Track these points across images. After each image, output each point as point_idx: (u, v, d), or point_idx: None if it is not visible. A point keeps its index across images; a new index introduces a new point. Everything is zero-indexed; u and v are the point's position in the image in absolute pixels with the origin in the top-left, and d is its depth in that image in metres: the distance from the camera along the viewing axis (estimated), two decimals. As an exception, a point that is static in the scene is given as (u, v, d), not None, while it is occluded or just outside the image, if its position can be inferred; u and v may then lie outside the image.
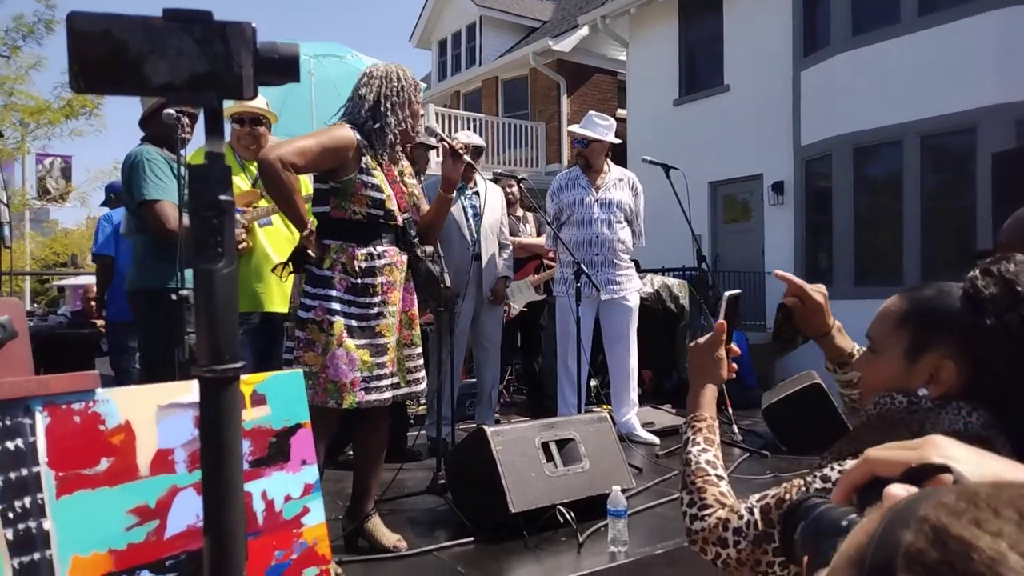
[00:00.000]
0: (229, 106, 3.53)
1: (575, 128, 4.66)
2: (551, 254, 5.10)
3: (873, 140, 9.17)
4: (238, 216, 3.34)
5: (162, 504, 1.58)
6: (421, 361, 2.82)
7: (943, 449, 0.59)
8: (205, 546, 0.77)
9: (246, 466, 1.70)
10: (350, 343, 2.55)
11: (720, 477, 1.22)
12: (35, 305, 16.40)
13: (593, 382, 5.48)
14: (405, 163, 2.84)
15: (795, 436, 4.33)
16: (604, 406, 5.09)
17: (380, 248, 2.67)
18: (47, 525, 1.43)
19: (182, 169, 3.11)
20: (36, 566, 1.41)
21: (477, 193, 4.55)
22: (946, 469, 0.54)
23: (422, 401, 5.22)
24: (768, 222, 10.74)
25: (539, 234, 5.50)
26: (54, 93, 14.53)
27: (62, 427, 1.49)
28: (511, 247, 4.74)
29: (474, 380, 5.08)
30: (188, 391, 1.64)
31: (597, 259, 4.47)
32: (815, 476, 1.07)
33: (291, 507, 1.79)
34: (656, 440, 4.51)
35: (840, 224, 9.54)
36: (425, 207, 2.89)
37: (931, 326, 1.07)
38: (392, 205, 2.69)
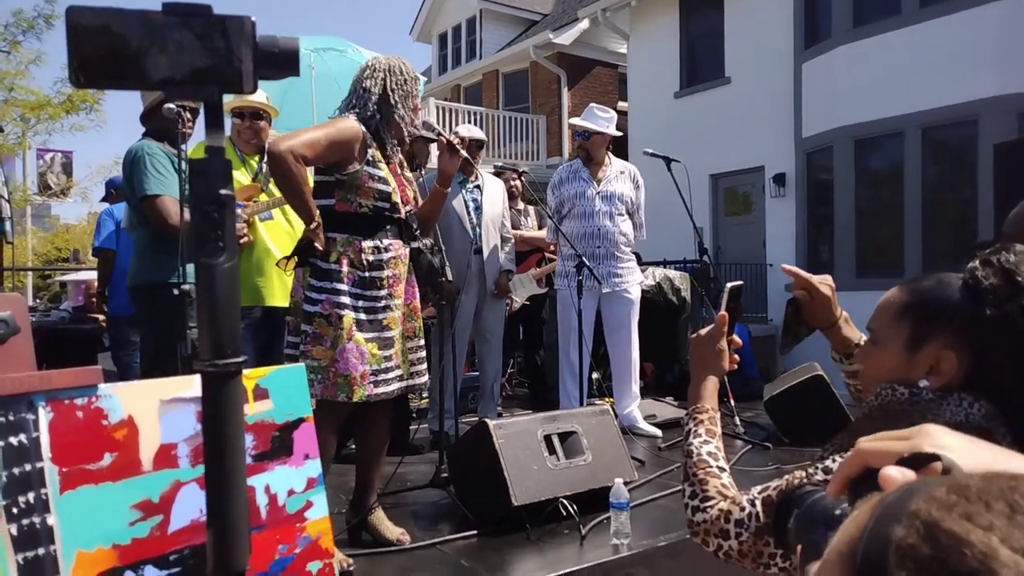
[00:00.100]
0: (229, 100, 3.53)
1: (576, 121, 4.65)
2: (552, 247, 5.09)
3: (874, 132, 9.15)
4: (239, 211, 3.34)
5: (165, 499, 1.58)
6: (424, 353, 2.82)
7: (935, 438, 0.59)
8: (208, 540, 0.77)
9: (249, 460, 1.70)
10: (359, 336, 2.55)
11: (722, 469, 1.22)
12: (37, 301, 16.42)
13: (595, 375, 5.48)
14: (400, 156, 2.84)
15: (797, 428, 4.34)
16: (606, 399, 5.10)
17: (386, 241, 2.67)
18: (51, 520, 1.44)
19: (183, 164, 3.10)
20: (40, 561, 1.41)
21: (479, 187, 4.54)
22: (937, 459, 0.54)
23: (424, 395, 5.23)
24: (769, 214, 10.73)
25: (540, 227, 5.50)
26: (54, 88, 14.52)
27: (65, 422, 1.49)
28: (512, 240, 4.74)
29: (476, 373, 5.08)
30: (190, 386, 1.64)
31: (599, 252, 4.47)
32: (817, 468, 1.07)
33: (294, 501, 1.80)
34: (658, 433, 4.51)
35: (841, 216, 9.52)
36: (419, 200, 2.90)
37: (931, 317, 1.07)
38: (397, 198, 2.69)
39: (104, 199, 5.76)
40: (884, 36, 8.89)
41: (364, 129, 2.61)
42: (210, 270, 0.73)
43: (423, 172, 4.44)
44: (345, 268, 2.57)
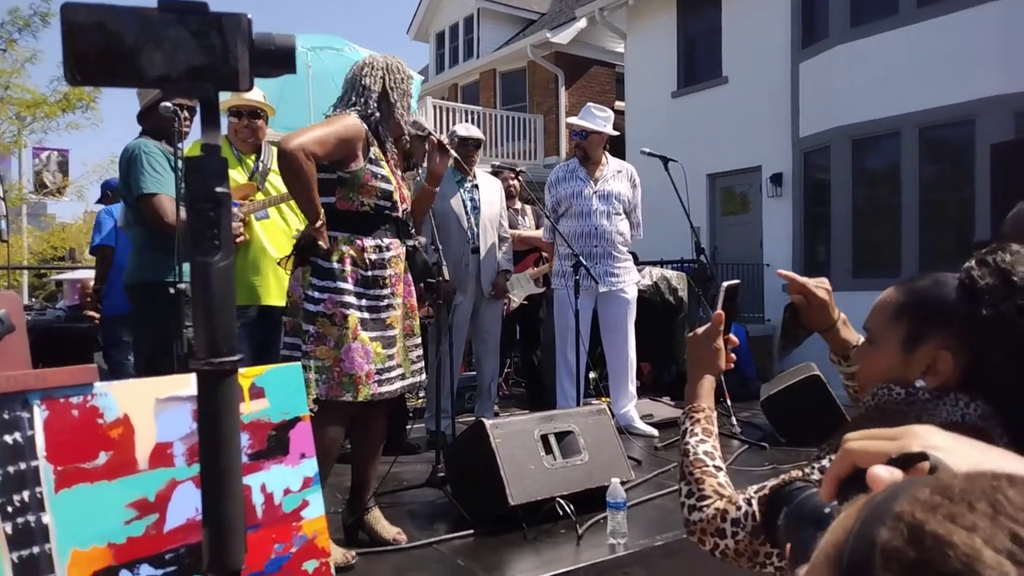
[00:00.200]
0: (226, 100, 3.52)
1: (573, 120, 4.65)
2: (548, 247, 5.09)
3: (872, 132, 9.16)
4: (235, 209, 3.34)
5: (161, 497, 1.58)
6: (421, 351, 2.82)
7: (923, 438, 0.59)
8: (204, 539, 0.77)
9: (245, 459, 1.70)
10: (364, 336, 2.54)
11: (718, 468, 1.22)
12: (33, 300, 16.38)
13: (592, 374, 5.49)
14: (395, 154, 2.84)
15: (793, 428, 4.34)
16: (603, 398, 5.10)
17: (386, 240, 2.67)
18: (46, 519, 1.43)
19: (180, 162, 3.10)
20: (35, 560, 1.41)
21: (476, 186, 4.54)
22: (925, 458, 0.54)
23: (421, 394, 5.23)
24: (766, 214, 10.74)
25: (538, 227, 5.50)
26: (50, 87, 14.50)
27: (60, 421, 1.49)
28: (510, 240, 4.74)
29: (473, 373, 5.08)
30: (186, 384, 1.64)
31: (596, 251, 4.47)
32: (813, 467, 1.07)
33: (290, 500, 1.80)
34: (655, 432, 4.51)
35: (838, 216, 9.54)
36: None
37: (927, 317, 1.07)
38: (397, 196, 2.69)
39: (100, 200, 5.76)
40: (881, 36, 8.90)
41: (366, 127, 2.60)
42: (206, 268, 0.73)
43: (419, 171, 4.43)
44: (348, 267, 2.56)
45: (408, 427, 4.40)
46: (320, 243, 2.51)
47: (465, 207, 4.45)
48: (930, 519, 0.38)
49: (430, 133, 2.96)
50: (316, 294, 2.53)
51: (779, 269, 1.57)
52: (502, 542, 2.77)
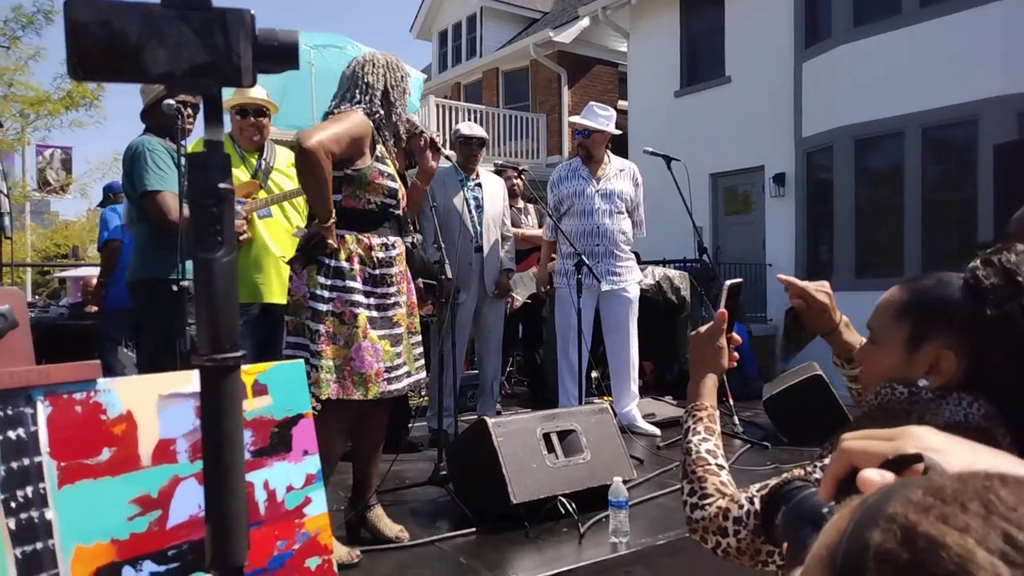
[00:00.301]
0: (230, 98, 3.53)
1: (576, 119, 4.65)
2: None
3: (874, 132, 9.15)
4: (238, 207, 3.34)
5: (164, 494, 1.58)
6: (422, 349, 2.82)
7: (920, 439, 0.59)
8: (207, 536, 0.77)
9: (248, 456, 1.70)
10: (373, 334, 2.54)
11: (720, 466, 1.22)
12: (36, 297, 16.41)
13: (594, 373, 5.49)
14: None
15: (796, 427, 4.33)
16: (605, 397, 5.10)
17: (392, 238, 2.67)
18: (49, 515, 1.44)
19: (182, 159, 3.10)
20: (39, 556, 1.41)
21: (479, 185, 4.54)
22: (921, 459, 0.54)
23: (424, 392, 5.23)
24: (769, 214, 10.73)
25: (541, 226, 5.49)
26: (54, 84, 14.53)
27: (63, 417, 1.49)
28: (513, 239, 4.74)
29: (476, 372, 5.08)
30: (189, 381, 1.64)
31: (598, 250, 4.46)
32: (815, 466, 1.07)
33: (293, 497, 1.80)
34: (657, 431, 4.51)
35: (841, 216, 9.52)
36: None
37: (931, 316, 1.07)
38: (401, 194, 2.69)
39: (101, 203, 5.79)
40: (884, 36, 8.89)
41: (372, 124, 2.60)
42: (209, 265, 0.73)
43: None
44: (356, 266, 2.55)
45: (410, 425, 4.40)
46: (330, 241, 2.50)
47: (468, 206, 4.45)
48: (923, 520, 0.38)
49: (422, 131, 2.95)
50: (325, 293, 2.51)
51: (779, 274, 1.56)
52: (504, 540, 2.77)
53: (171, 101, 2.97)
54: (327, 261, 2.52)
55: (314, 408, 2.05)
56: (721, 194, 11.64)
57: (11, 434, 1.43)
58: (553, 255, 4.87)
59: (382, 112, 2.64)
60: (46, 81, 14.78)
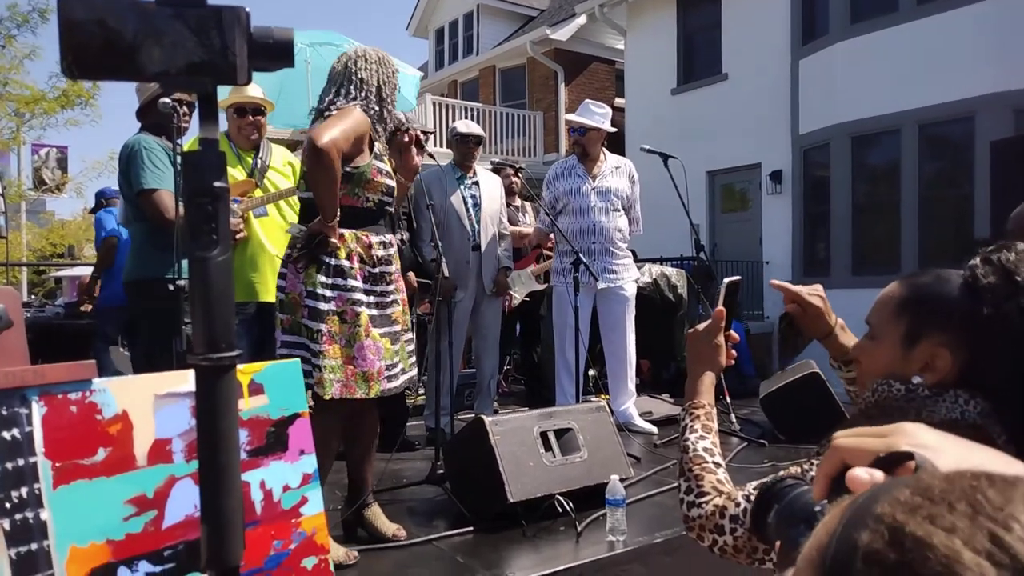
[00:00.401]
0: (226, 97, 3.52)
1: (572, 117, 4.65)
2: (550, 244, 5.09)
3: (871, 129, 9.16)
4: (234, 206, 3.33)
5: (160, 494, 1.58)
6: (413, 346, 2.82)
7: (912, 436, 0.59)
8: (202, 536, 0.76)
9: (244, 455, 1.70)
10: (375, 332, 2.54)
11: (717, 464, 1.22)
12: (32, 297, 16.39)
13: (591, 371, 5.49)
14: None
15: (793, 425, 4.34)
16: (602, 395, 5.10)
17: (388, 236, 2.66)
18: (44, 515, 1.43)
19: (178, 158, 3.10)
20: (34, 556, 1.41)
21: (477, 183, 4.54)
22: (912, 457, 0.54)
23: (421, 391, 5.23)
24: (766, 211, 10.74)
25: (539, 224, 5.49)
26: (49, 83, 14.45)
27: (59, 417, 1.49)
28: (510, 237, 4.73)
29: (473, 370, 5.08)
30: (185, 381, 1.64)
31: (594, 247, 4.47)
32: (812, 464, 1.07)
33: (289, 497, 1.80)
34: (654, 429, 4.52)
35: (838, 213, 9.53)
36: None
37: (928, 313, 1.07)
38: (396, 192, 2.69)
39: (94, 209, 5.79)
40: (882, 33, 8.89)
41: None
42: (204, 263, 0.73)
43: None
44: (356, 264, 2.54)
45: (407, 424, 4.40)
46: (333, 240, 2.49)
47: (466, 204, 4.44)
48: (910, 520, 0.38)
49: (408, 128, 2.94)
50: (327, 292, 2.49)
51: (772, 279, 1.56)
52: (501, 539, 2.77)
53: (167, 99, 2.96)
54: (328, 260, 2.51)
55: (308, 407, 2.05)
56: (718, 192, 11.65)
57: (6, 434, 1.42)
58: (549, 252, 4.86)
59: (377, 108, 2.63)
60: (41, 80, 14.67)
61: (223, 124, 3.55)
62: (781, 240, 10.35)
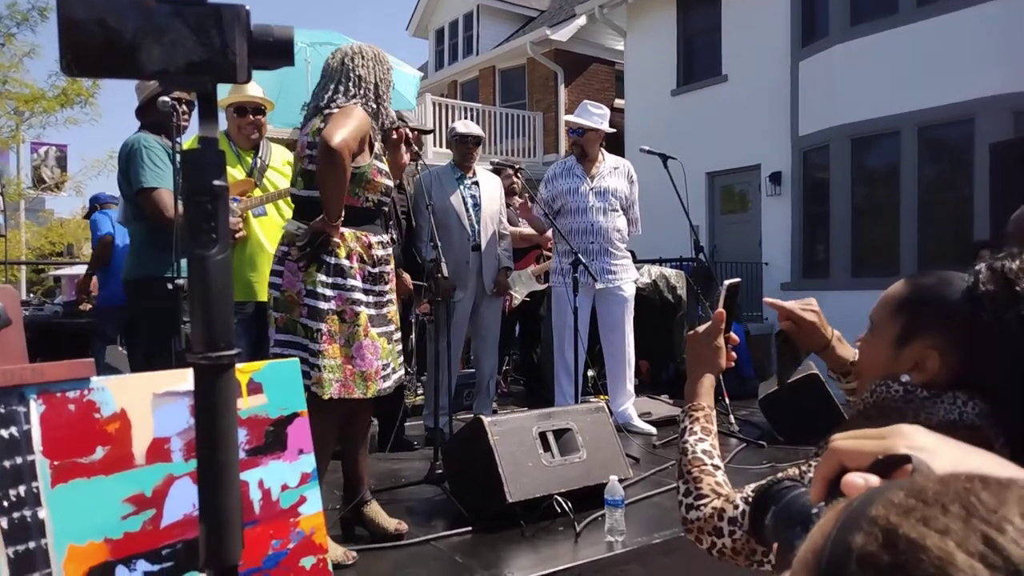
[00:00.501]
0: (226, 97, 3.51)
1: (570, 117, 4.66)
2: (549, 244, 5.09)
3: (871, 131, 9.16)
4: (233, 205, 3.33)
5: (158, 493, 1.57)
6: (401, 345, 2.81)
7: (909, 438, 0.59)
8: (201, 534, 0.76)
9: (242, 455, 1.70)
10: (373, 332, 2.53)
11: (716, 467, 1.22)
12: (31, 295, 16.38)
13: (590, 372, 5.49)
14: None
15: (792, 426, 4.34)
16: (601, 396, 5.10)
17: (385, 236, 2.66)
18: (42, 514, 1.43)
19: (178, 156, 3.10)
20: (31, 555, 1.40)
21: (477, 183, 4.54)
22: (909, 460, 0.54)
23: (419, 391, 5.23)
24: (766, 213, 10.74)
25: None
26: (48, 81, 14.43)
27: (57, 415, 1.48)
28: (510, 237, 4.73)
29: (472, 370, 5.08)
30: (184, 380, 1.64)
31: (592, 247, 4.47)
32: (811, 465, 1.07)
33: (288, 496, 1.79)
34: (653, 430, 4.52)
35: (837, 215, 9.54)
36: None
37: (924, 315, 1.07)
38: (392, 192, 2.69)
39: (88, 215, 5.80)
40: (881, 35, 8.90)
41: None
42: (203, 262, 0.73)
43: (419, 168, 4.42)
44: (356, 264, 2.54)
45: (406, 424, 4.40)
46: (335, 239, 2.48)
47: (466, 204, 4.44)
48: (903, 522, 0.38)
49: (399, 126, 2.92)
50: (327, 291, 2.48)
51: (766, 297, 1.56)
52: (500, 539, 2.77)
53: (166, 98, 2.96)
54: (328, 259, 2.50)
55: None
56: (717, 193, 11.65)
57: (4, 432, 1.42)
58: (549, 252, 4.86)
59: (374, 106, 2.62)
60: (41, 78, 14.67)
61: (223, 123, 3.54)
62: (780, 242, 10.35)
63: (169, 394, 1.62)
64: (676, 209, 4.89)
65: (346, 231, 2.53)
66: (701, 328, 1.37)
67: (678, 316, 6.24)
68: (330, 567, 1.89)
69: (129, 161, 3.24)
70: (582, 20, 13.74)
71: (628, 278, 4.63)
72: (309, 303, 2.48)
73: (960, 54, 8.12)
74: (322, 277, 2.49)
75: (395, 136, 2.96)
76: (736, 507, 1.12)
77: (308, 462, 1.84)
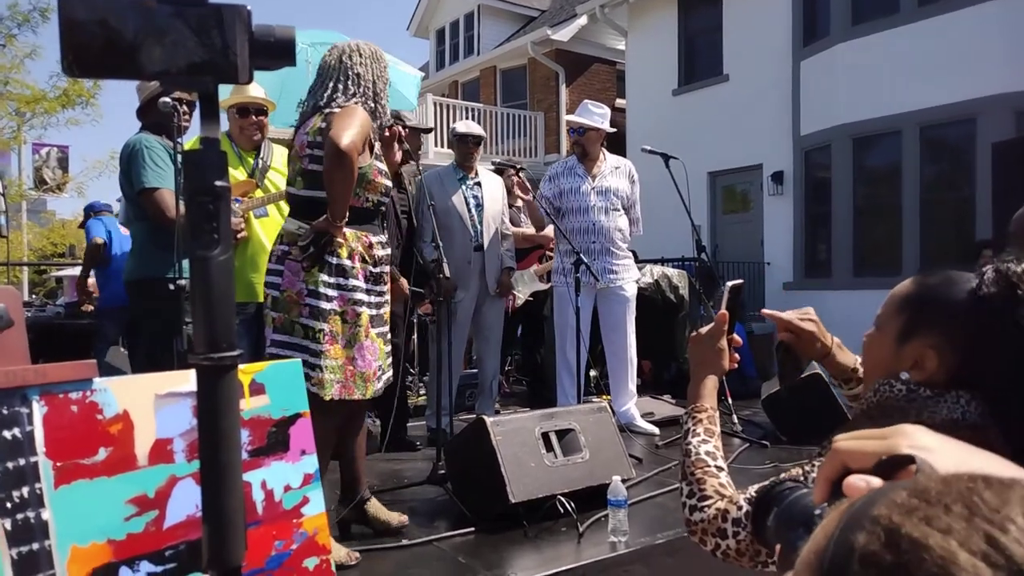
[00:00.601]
0: (227, 97, 3.52)
1: (571, 117, 4.67)
2: (551, 244, 5.09)
3: (872, 130, 9.15)
4: (234, 206, 3.33)
5: (161, 494, 1.57)
6: (390, 347, 2.80)
7: (912, 438, 0.59)
8: (204, 536, 0.76)
9: (245, 456, 1.69)
10: (373, 333, 2.53)
11: (720, 468, 1.22)
12: (33, 296, 16.39)
13: (592, 372, 5.48)
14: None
15: (795, 426, 4.33)
16: (604, 396, 5.10)
17: (384, 236, 2.66)
18: (45, 515, 1.43)
19: (179, 157, 3.10)
20: (35, 556, 1.40)
21: (479, 183, 4.54)
22: (913, 461, 0.54)
23: (422, 391, 5.23)
24: (767, 212, 10.73)
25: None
26: (50, 82, 14.46)
27: (60, 416, 1.48)
28: (512, 237, 4.73)
29: (475, 371, 5.08)
30: (186, 380, 1.64)
31: (594, 247, 4.46)
32: (814, 465, 1.07)
33: (291, 497, 1.79)
34: (656, 430, 4.51)
35: (839, 215, 9.53)
36: None
37: (926, 313, 1.07)
38: (390, 192, 2.69)
39: (82, 225, 5.81)
40: (883, 34, 8.89)
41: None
42: (205, 263, 0.72)
43: (420, 168, 4.42)
44: (358, 264, 2.53)
45: (408, 424, 4.40)
46: (338, 239, 2.48)
47: (468, 204, 4.44)
48: (906, 522, 0.38)
49: (392, 124, 2.91)
50: (330, 292, 2.47)
51: (764, 309, 1.55)
52: (503, 540, 2.77)
53: (167, 99, 2.96)
54: (330, 259, 2.49)
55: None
56: (719, 193, 11.64)
57: (7, 434, 1.42)
58: (551, 252, 4.85)
59: (372, 105, 2.60)
60: (42, 79, 14.68)
61: (224, 124, 3.54)
62: (782, 241, 10.34)
63: (171, 395, 1.61)
64: (678, 209, 4.88)
65: (347, 231, 2.52)
66: (704, 330, 1.37)
67: (680, 316, 6.23)
68: (333, 568, 1.89)
69: (131, 161, 3.25)
70: (583, 20, 13.73)
71: (630, 278, 4.63)
72: (311, 303, 2.47)
73: (962, 53, 8.11)
74: (324, 277, 2.48)
75: (387, 134, 2.95)
76: (739, 508, 1.12)
77: (311, 463, 1.83)
